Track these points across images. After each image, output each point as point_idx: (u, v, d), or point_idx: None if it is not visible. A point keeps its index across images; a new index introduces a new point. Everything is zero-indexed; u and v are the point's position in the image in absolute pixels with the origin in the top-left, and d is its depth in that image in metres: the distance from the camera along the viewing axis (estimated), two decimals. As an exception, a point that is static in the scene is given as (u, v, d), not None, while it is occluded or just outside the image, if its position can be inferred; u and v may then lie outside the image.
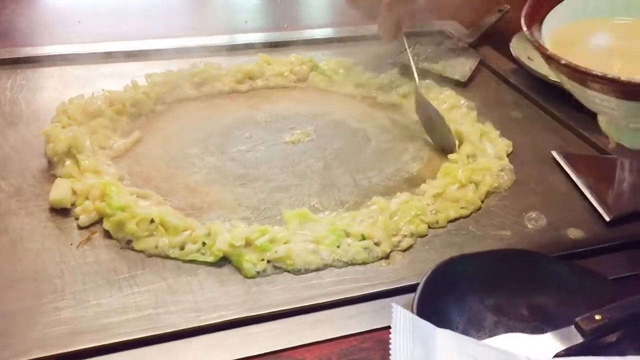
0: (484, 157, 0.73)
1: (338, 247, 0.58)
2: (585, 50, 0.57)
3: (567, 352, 0.46)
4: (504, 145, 0.76)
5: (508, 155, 0.75)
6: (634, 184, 0.68)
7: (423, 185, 0.69)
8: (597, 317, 0.47)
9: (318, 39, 1.07)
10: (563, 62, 0.50)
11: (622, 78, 0.47)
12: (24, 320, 0.50)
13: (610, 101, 0.50)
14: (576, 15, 0.59)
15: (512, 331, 0.50)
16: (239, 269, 0.56)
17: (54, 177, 0.67)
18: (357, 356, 0.49)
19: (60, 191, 0.63)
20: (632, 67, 0.55)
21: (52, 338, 0.48)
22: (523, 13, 0.56)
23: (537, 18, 0.57)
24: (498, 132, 0.78)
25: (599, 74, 0.48)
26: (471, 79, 0.93)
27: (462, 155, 0.73)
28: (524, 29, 0.55)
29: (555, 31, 0.57)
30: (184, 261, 0.57)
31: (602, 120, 0.57)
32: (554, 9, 0.58)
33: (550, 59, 0.51)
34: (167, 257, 0.57)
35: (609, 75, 0.47)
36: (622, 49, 0.58)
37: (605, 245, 0.61)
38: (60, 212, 0.62)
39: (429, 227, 0.63)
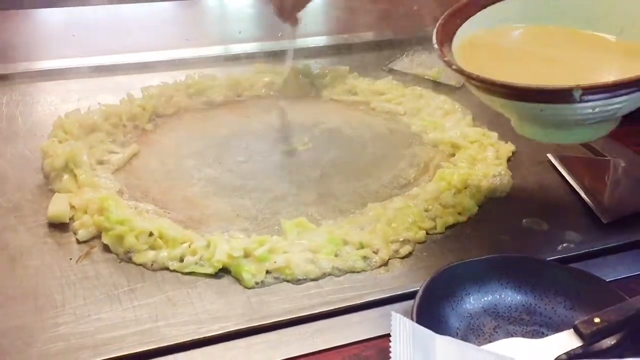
0: (483, 161, 0.73)
1: (336, 255, 0.58)
2: (487, 56, 0.61)
3: (568, 356, 0.46)
4: (506, 148, 0.76)
5: (509, 159, 0.75)
6: (629, 185, 0.68)
7: (415, 189, 0.69)
8: (596, 320, 0.47)
9: (312, 47, 1.08)
10: (471, 75, 0.54)
11: (506, 82, 0.51)
12: (24, 338, 0.50)
13: (509, 104, 0.55)
14: (488, 23, 0.63)
15: (511, 336, 0.50)
16: (238, 279, 0.56)
17: (52, 192, 0.67)
18: (358, 365, 0.49)
19: (58, 206, 0.63)
20: (529, 68, 0.59)
21: (51, 355, 0.48)
22: (436, 26, 0.60)
23: (449, 31, 0.61)
24: (496, 135, 0.79)
25: (495, 81, 0.52)
26: (465, 84, 0.94)
27: (461, 159, 0.74)
28: (434, 41, 0.59)
29: (464, 40, 0.61)
30: (184, 273, 0.57)
31: (512, 121, 0.60)
32: (466, 21, 0.62)
33: (456, 72, 0.56)
34: (166, 269, 0.57)
35: (498, 82, 0.52)
36: (520, 53, 0.62)
37: (603, 247, 0.61)
38: (59, 227, 0.63)
39: (427, 233, 0.63)
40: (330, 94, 0.92)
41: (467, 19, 0.63)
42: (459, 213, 0.65)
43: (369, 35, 1.12)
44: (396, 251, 0.60)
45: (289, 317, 0.52)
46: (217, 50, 1.04)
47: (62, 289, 0.55)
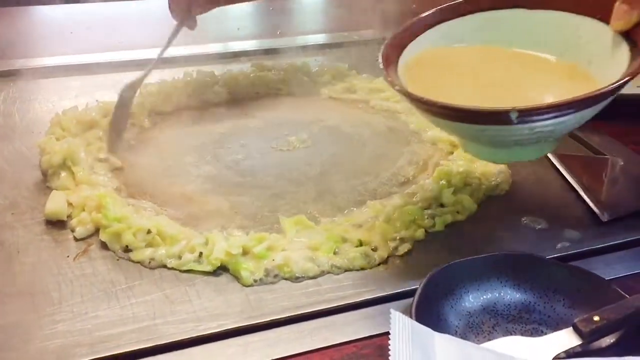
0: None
1: (335, 253, 0.58)
2: (433, 76, 0.62)
3: (567, 354, 0.46)
4: None
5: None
6: (627, 183, 0.68)
7: (414, 187, 0.69)
8: (596, 318, 0.47)
9: (311, 45, 1.08)
10: (412, 96, 0.54)
11: (445, 104, 0.51)
12: (21, 335, 0.49)
13: (451, 125, 0.55)
14: (434, 43, 0.63)
15: (510, 334, 0.50)
16: (236, 277, 0.56)
17: (49, 189, 0.67)
18: (357, 363, 0.48)
19: (55, 203, 0.63)
20: (472, 89, 0.59)
21: (49, 352, 0.48)
22: (383, 45, 0.60)
23: (396, 50, 0.61)
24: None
25: (437, 103, 0.52)
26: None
27: (460, 157, 0.74)
28: (379, 60, 0.59)
29: (411, 60, 0.62)
30: (182, 271, 0.57)
31: (459, 142, 0.61)
32: (413, 40, 0.62)
33: (399, 92, 0.56)
34: (164, 267, 0.57)
35: (438, 103, 0.52)
36: (464, 73, 0.62)
37: (602, 246, 0.61)
38: (56, 224, 0.62)
39: (426, 231, 0.62)
40: (329, 92, 0.92)
41: (414, 37, 0.63)
42: (458, 211, 0.65)
43: (368, 33, 1.11)
44: (395, 249, 0.60)
45: (287, 315, 0.52)
46: (215, 47, 1.04)
47: (59, 286, 0.55)
